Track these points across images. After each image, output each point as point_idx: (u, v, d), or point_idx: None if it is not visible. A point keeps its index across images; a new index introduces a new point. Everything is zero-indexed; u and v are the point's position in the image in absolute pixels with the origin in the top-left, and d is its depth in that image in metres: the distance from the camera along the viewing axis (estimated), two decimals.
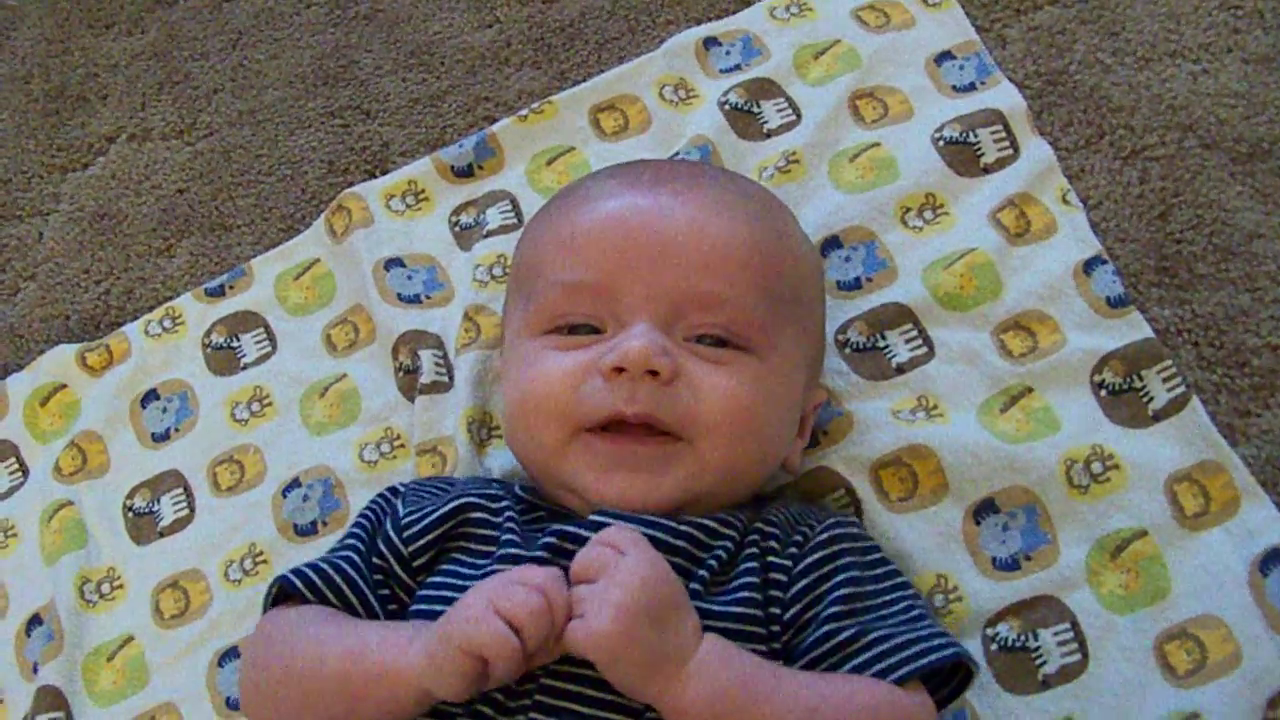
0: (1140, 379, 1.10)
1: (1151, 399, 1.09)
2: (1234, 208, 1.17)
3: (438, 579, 0.94)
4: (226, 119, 1.42)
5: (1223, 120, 1.21)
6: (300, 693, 0.89)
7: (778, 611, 0.90)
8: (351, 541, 0.98)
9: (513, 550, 0.91)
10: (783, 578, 0.91)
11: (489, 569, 0.90)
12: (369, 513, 1.01)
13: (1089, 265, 1.15)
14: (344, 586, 0.94)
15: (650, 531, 0.89)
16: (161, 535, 1.19)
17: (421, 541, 0.96)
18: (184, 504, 1.20)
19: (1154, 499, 1.05)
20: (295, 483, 1.18)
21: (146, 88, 1.47)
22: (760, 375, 0.95)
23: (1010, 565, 1.04)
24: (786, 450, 1.02)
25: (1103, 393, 1.10)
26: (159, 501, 1.20)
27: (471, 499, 0.97)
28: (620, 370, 0.91)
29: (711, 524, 0.92)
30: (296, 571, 0.95)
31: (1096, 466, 1.06)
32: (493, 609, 0.80)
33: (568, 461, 0.94)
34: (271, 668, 0.92)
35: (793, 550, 0.93)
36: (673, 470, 0.92)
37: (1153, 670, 1.00)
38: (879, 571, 0.95)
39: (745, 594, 0.89)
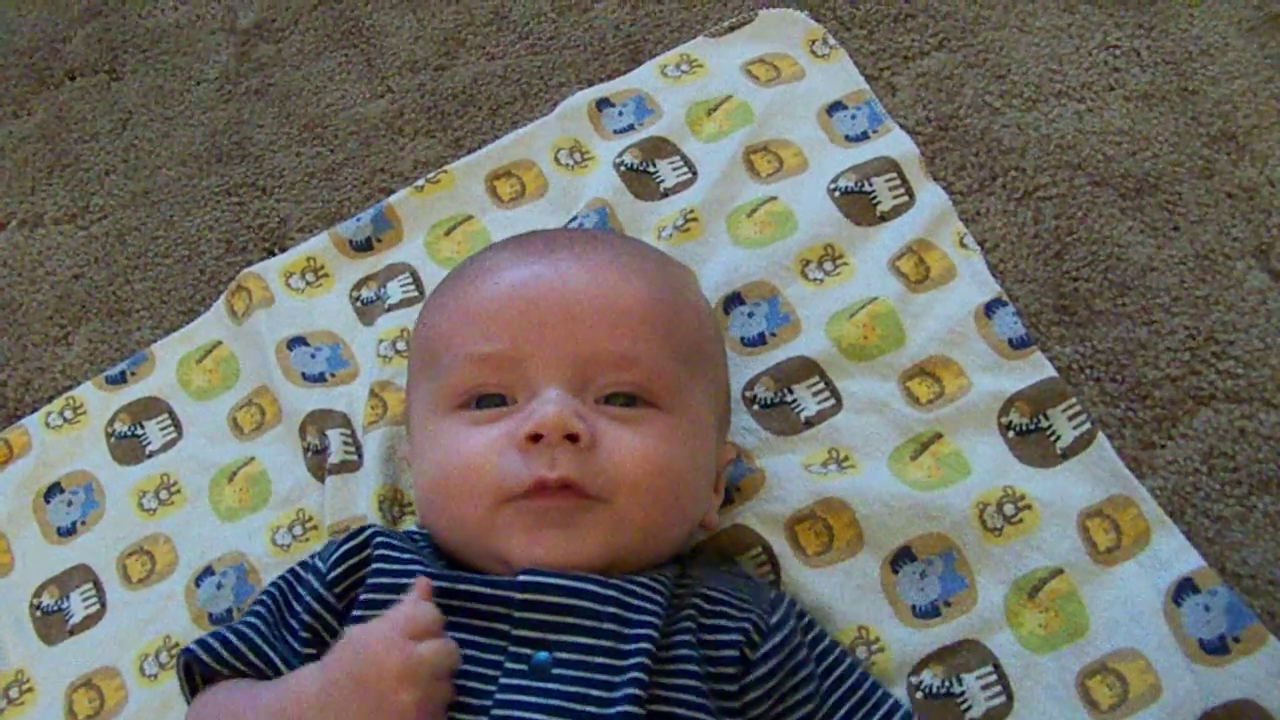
0: (1046, 418, 1.11)
1: (1058, 438, 1.10)
2: (1126, 242, 1.19)
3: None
4: (120, 201, 1.40)
5: (1110, 157, 1.24)
6: None
7: (729, 704, 0.90)
8: (256, 608, 0.98)
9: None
10: (730, 670, 0.91)
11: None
12: (278, 582, 1.00)
13: (989, 308, 1.16)
14: (259, 643, 0.93)
15: (580, 585, 0.89)
16: (72, 633, 1.15)
17: (339, 570, 0.96)
18: (94, 599, 1.16)
19: (1067, 536, 1.06)
20: (208, 571, 1.15)
21: (36, 172, 1.44)
22: (674, 431, 0.95)
23: (930, 612, 1.05)
24: (705, 506, 1.02)
25: (1010, 434, 1.11)
26: (68, 598, 1.17)
27: (382, 535, 0.98)
28: (537, 438, 0.90)
29: (639, 583, 0.91)
30: (200, 641, 0.94)
31: (1009, 508, 1.07)
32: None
33: (495, 532, 0.92)
34: None
35: (737, 638, 0.92)
36: (592, 526, 0.91)
37: (1077, 707, 1.01)
38: (827, 663, 0.96)
39: (690, 680, 0.88)
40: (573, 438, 0.90)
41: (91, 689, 1.13)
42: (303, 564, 1.00)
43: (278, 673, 0.92)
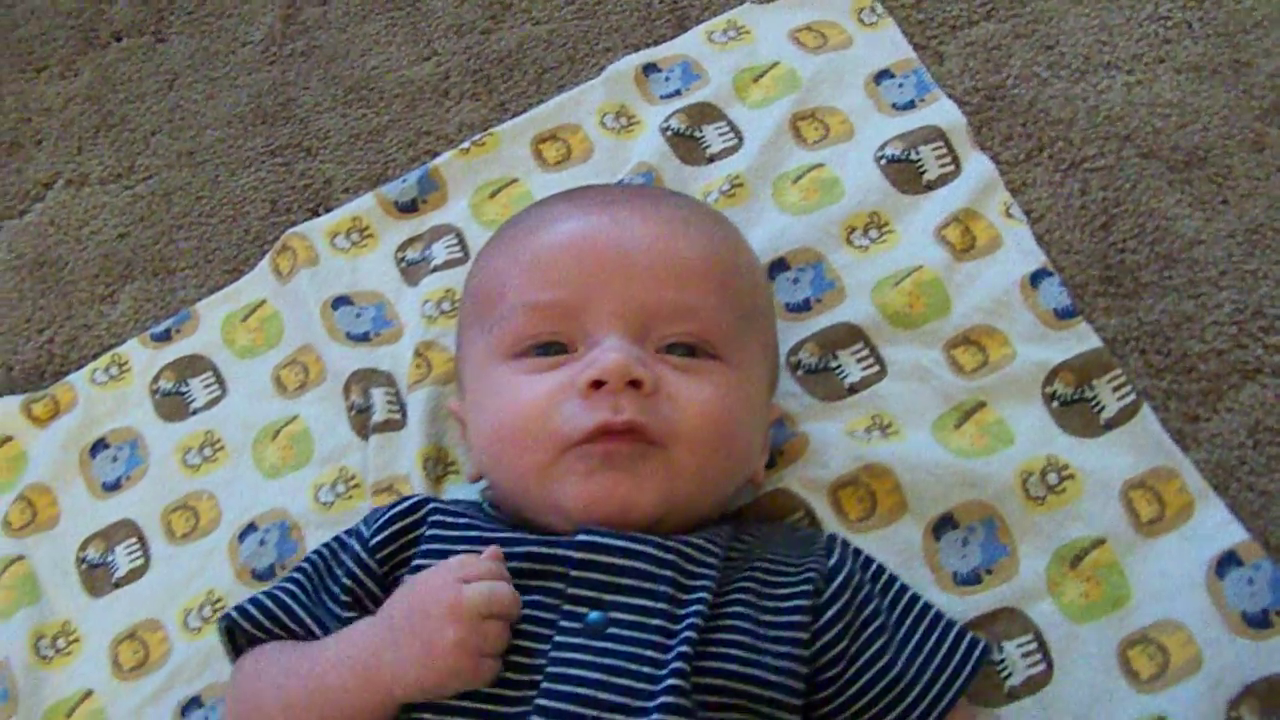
0: (1091, 389, 1.11)
1: (1103, 408, 1.10)
2: (1174, 215, 1.18)
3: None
4: (165, 161, 1.41)
5: (1158, 129, 1.23)
6: None
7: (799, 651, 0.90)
8: (295, 574, 0.99)
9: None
10: (802, 619, 0.91)
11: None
12: (321, 549, 1.01)
13: (1035, 278, 1.16)
14: (297, 610, 0.95)
15: (638, 546, 0.89)
16: (117, 586, 1.17)
17: (384, 534, 0.96)
18: (139, 553, 1.18)
19: (1110, 507, 1.06)
20: (251, 527, 1.16)
21: (82, 131, 1.45)
22: (733, 383, 0.96)
23: (971, 580, 1.05)
24: (755, 463, 1.02)
25: (1054, 404, 1.11)
26: (113, 552, 1.18)
27: (436, 502, 0.98)
28: (599, 384, 0.90)
29: (696, 545, 0.91)
30: (239, 608, 0.96)
31: (1052, 478, 1.07)
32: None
33: (553, 479, 0.92)
34: None
35: (805, 588, 0.92)
36: (650, 474, 0.90)
37: (1117, 677, 1.01)
38: (891, 595, 0.97)
39: (744, 637, 0.88)
40: (636, 384, 0.90)
41: (136, 641, 1.14)
42: (347, 531, 1.01)
43: (315, 638, 0.93)
